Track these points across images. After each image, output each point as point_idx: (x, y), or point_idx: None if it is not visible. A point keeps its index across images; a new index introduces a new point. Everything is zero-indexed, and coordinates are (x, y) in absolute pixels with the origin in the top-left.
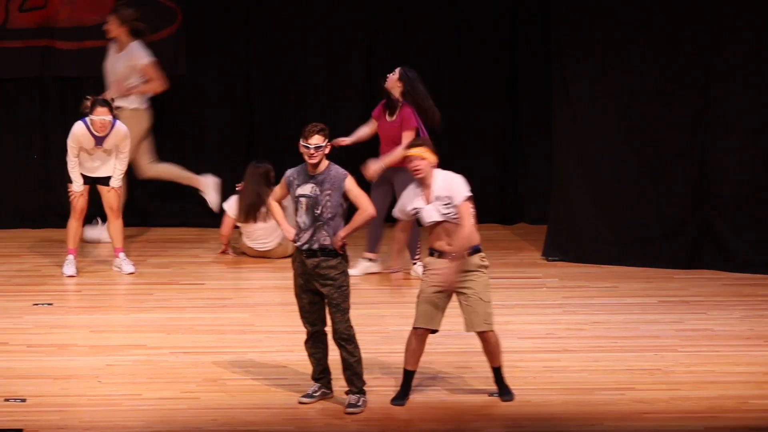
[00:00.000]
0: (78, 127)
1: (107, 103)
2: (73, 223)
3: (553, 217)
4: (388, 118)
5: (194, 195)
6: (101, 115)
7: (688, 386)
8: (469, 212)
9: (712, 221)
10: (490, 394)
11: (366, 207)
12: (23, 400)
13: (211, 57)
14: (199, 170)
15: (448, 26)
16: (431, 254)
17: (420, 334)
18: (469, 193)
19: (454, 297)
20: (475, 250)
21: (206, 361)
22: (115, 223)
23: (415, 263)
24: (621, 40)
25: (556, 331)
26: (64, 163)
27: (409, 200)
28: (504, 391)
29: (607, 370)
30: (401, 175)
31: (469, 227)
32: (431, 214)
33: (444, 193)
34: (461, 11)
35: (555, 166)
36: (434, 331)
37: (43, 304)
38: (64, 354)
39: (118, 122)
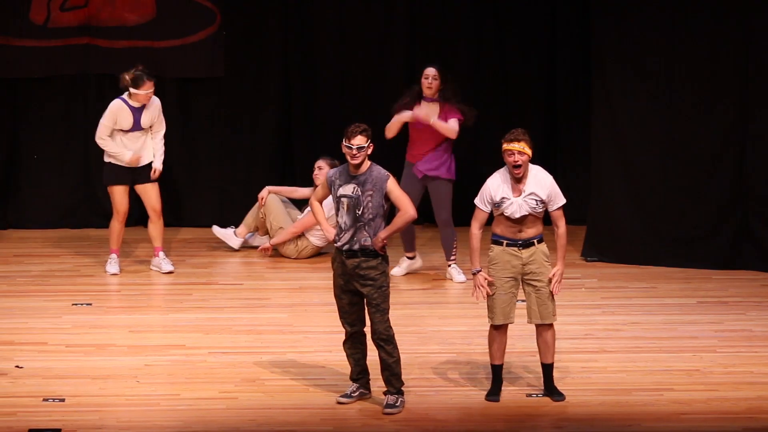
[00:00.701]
0: (116, 104)
1: (152, 75)
2: (116, 224)
3: (592, 218)
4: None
5: (230, 194)
6: (149, 89)
7: (727, 387)
8: (563, 217)
9: (751, 221)
10: (528, 395)
11: (407, 208)
12: (62, 400)
13: (249, 58)
14: (236, 171)
15: (488, 30)
16: (498, 243)
17: (501, 329)
18: (565, 200)
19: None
20: (541, 238)
21: (244, 362)
22: (158, 223)
23: (449, 265)
24: (660, 44)
25: (594, 332)
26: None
27: (495, 189)
28: (554, 391)
29: (645, 370)
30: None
31: (565, 229)
32: (521, 207)
33: (538, 190)
34: (501, 14)
35: (594, 167)
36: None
37: (82, 304)
38: (103, 354)
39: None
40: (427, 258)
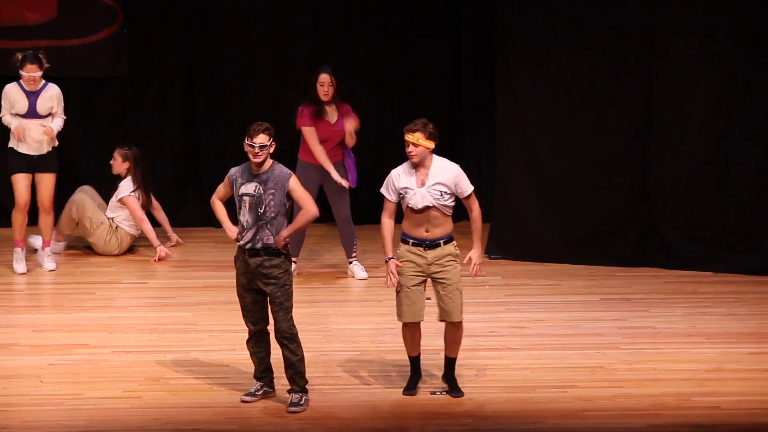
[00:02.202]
0: (8, 85)
1: (38, 60)
2: (18, 216)
3: (496, 215)
4: (330, 120)
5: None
6: (31, 72)
7: (631, 384)
8: (476, 201)
9: (655, 219)
10: (432, 393)
11: (309, 207)
12: None
13: (153, 56)
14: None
15: (392, 25)
16: (405, 242)
17: (411, 326)
18: (473, 187)
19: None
20: (450, 238)
21: (148, 361)
22: (47, 217)
23: (351, 262)
24: (566, 35)
25: (498, 329)
26: (4, 162)
27: (398, 177)
28: (453, 387)
29: (549, 367)
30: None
31: (479, 212)
32: (423, 197)
33: (442, 179)
34: (405, 8)
35: (498, 163)
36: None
37: None
38: (6, 353)
39: (50, 83)
40: (328, 256)
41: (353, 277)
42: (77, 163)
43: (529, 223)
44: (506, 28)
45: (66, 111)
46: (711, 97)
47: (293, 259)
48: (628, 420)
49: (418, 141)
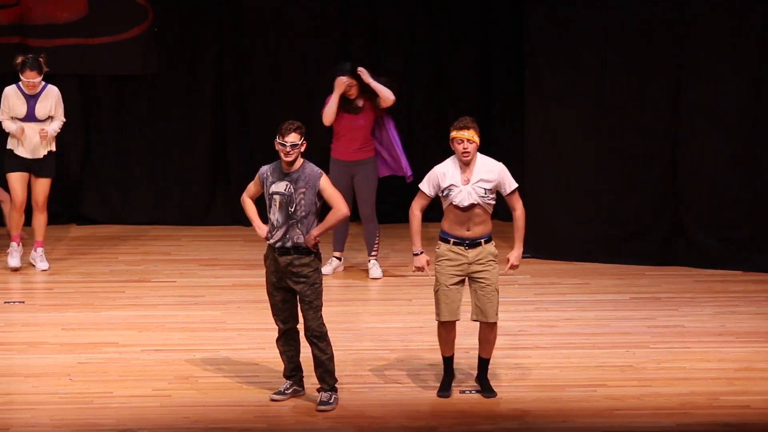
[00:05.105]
0: (8, 88)
1: (38, 65)
2: (15, 214)
3: (525, 214)
4: (354, 112)
5: (167, 193)
6: (30, 78)
7: (660, 383)
8: (520, 199)
9: (683, 218)
10: (462, 391)
11: (340, 206)
12: None
13: (182, 55)
14: (169, 168)
15: (420, 25)
16: (446, 241)
17: (448, 325)
18: (517, 184)
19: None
20: (490, 237)
21: (178, 359)
22: (40, 216)
23: (370, 260)
24: (594, 39)
25: (528, 328)
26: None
27: (443, 175)
28: (486, 387)
29: (578, 366)
30: (362, 169)
31: (523, 212)
32: (470, 195)
33: (486, 176)
34: (433, 9)
35: (527, 163)
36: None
37: (14, 302)
38: (35, 352)
39: (49, 85)
40: (357, 254)
41: (367, 275)
42: (107, 162)
43: (558, 222)
44: (535, 29)
45: (95, 110)
46: (740, 97)
47: (337, 254)
48: (658, 419)
49: (473, 138)
